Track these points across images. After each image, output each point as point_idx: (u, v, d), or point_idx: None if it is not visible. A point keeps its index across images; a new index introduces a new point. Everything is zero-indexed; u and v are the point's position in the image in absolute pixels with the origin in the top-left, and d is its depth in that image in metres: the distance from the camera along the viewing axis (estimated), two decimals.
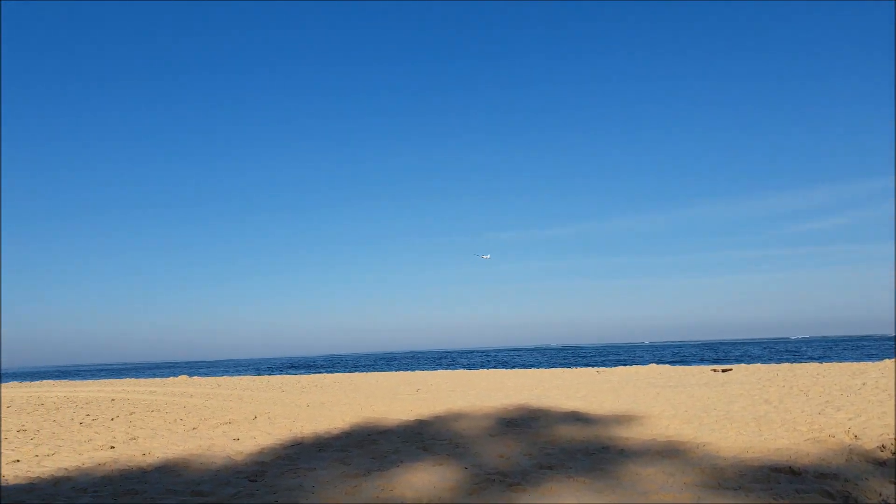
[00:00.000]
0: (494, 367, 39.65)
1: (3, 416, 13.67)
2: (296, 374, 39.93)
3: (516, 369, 31.97)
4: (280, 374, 38.38)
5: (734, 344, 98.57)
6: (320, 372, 44.58)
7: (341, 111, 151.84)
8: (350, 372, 39.25)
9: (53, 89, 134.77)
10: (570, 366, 38.69)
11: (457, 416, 10.72)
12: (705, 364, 32.44)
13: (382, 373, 33.16)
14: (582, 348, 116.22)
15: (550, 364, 43.82)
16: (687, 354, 53.79)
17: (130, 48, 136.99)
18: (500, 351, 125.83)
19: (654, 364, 28.69)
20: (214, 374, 48.52)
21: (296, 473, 6.30)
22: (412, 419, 10.57)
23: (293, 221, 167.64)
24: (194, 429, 10.31)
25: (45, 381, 34.81)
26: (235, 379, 30.50)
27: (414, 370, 38.49)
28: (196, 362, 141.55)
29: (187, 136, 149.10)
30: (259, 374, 40.75)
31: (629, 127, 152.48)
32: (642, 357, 50.82)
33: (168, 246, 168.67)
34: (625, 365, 32.33)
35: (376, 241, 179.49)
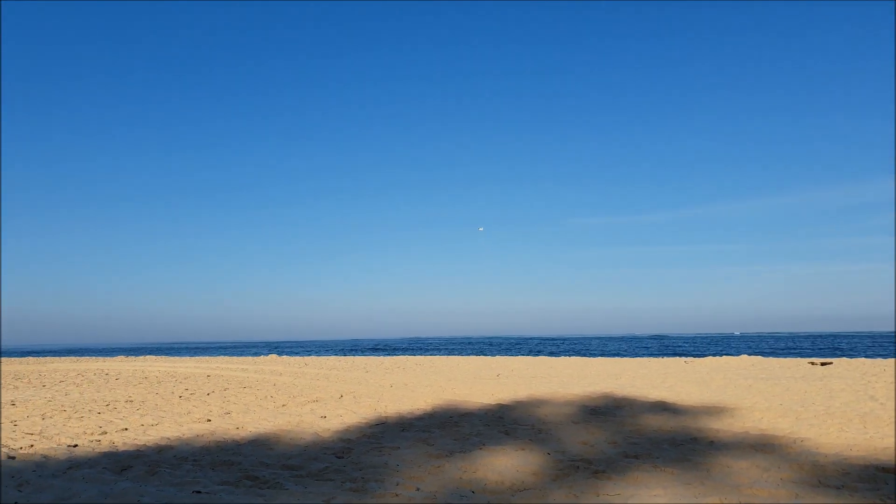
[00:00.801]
0: (578, 355, 39.19)
1: (113, 387, 14.72)
2: (379, 355, 40.84)
3: (600, 357, 31.47)
4: (364, 356, 39.35)
5: (835, 336, 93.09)
6: (402, 354, 45.41)
7: (426, 100, 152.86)
8: (430, 355, 39.79)
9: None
10: (656, 355, 37.71)
11: (538, 402, 10.67)
12: (802, 356, 30.83)
13: (462, 357, 33.43)
14: (670, 338, 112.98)
15: (636, 353, 42.84)
16: (781, 346, 51.29)
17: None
18: (583, 339, 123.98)
19: (745, 355, 27.54)
20: (301, 353, 50.33)
21: (380, 451, 6.46)
22: (493, 403, 10.61)
23: (378, 207, 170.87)
24: (284, 405, 10.75)
25: (148, 357, 37.19)
26: (321, 359, 31.55)
27: (493, 355, 38.57)
28: (282, 342, 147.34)
29: (276, 125, 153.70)
30: (344, 355, 41.94)
31: (722, 113, 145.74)
32: (733, 348, 48.88)
33: (256, 229, 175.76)
34: (714, 355, 31.21)
35: (456, 227, 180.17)
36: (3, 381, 16.53)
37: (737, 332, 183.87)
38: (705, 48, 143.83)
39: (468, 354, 42.53)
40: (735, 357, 25.43)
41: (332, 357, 35.58)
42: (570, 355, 38.68)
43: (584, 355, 38.68)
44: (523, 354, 41.90)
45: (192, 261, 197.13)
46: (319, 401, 11.37)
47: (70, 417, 9.21)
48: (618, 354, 40.57)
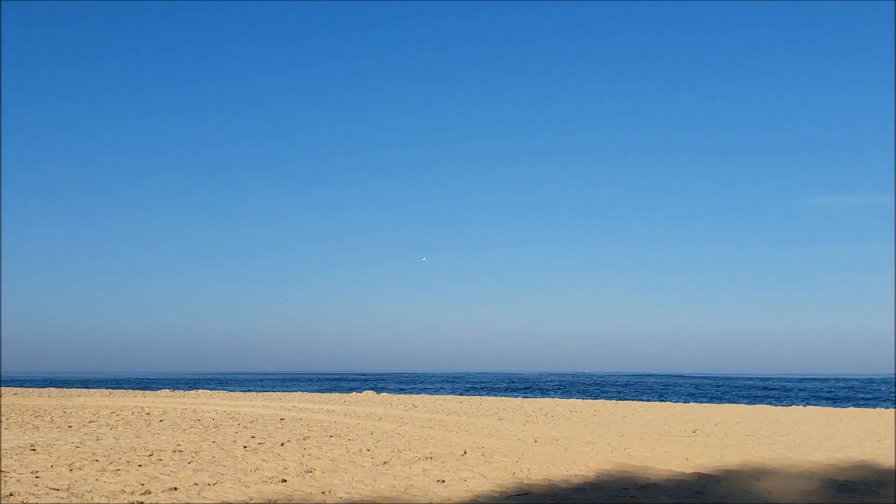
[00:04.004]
0: (815, 403, 37.47)
1: (157, 430, 15.69)
2: (515, 396, 40.98)
3: (852, 408, 29.91)
4: (494, 396, 39.60)
5: None
6: (549, 395, 45.29)
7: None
8: (591, 398, 39.38)
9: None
10: None
11: (759, 473, 10.26)
12: None
13: (638, 402, 32.83)
14: None
15: None
16: None
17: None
18: (823, 378, 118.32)
19: None
20: (407, 391, 51.44)
21: None
22: (689, 472, 10.31)
23: (551, 226, 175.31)
24: (385, 463, 10.96)
25: (201, 391, 39.42)
26: (435, 399, 32.07)
27: (684, 401, 37.58)
28: (382, 375, 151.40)
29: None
30: (466, 395, 42.44)
31: None
32: None
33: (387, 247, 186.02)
34: None
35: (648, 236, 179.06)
36: (21, 419, 18.07)
37: None
38: None
39: (647, 399, 41.74)
40: None
41: (450, 397, 36.05)
42: (803, 403, 37.00)
43: (824, 404, 36.84)
44: (731, 400, 40.56)
45: (262, 272, 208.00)
46: (435, 458, 11.50)
47: (104, 470, 9.88)
48: (876, 402, 38.35)
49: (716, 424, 19.07)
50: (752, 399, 43.40)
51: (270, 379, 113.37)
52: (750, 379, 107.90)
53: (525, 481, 9.37)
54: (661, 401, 37.40)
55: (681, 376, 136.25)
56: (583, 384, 77.80)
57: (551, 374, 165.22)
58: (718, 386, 70.23)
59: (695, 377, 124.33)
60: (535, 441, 14.32)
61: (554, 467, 10.64)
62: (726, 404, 32.03)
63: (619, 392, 55.23)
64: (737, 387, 67.34)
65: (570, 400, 34.62)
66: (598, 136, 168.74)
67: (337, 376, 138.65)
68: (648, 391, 57.41)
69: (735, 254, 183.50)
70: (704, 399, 43.02)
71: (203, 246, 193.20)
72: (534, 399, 34.92)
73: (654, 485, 9.18)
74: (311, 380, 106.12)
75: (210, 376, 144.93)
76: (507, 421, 19.35)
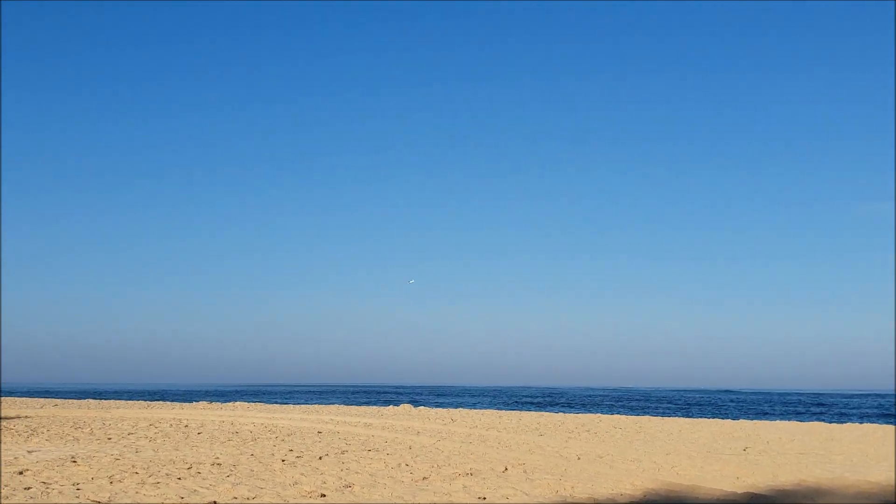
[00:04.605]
0: (873, 420, 36.96)
1: (195, 443, 15.90)
2: (556, 411, 40.84)
3: None
4: (535, 411, 39.49)
5: None
6: (592, 411, 45.08)
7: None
8: (637, 414, 39.13)
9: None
10: None
11: (814, 493, 10.17)
12: None
13: (686, 419, 32.59)
14: None
15: None
16: None
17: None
18: (882, 394, 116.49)
19: None
20: (445, 405, 51.49)
21: None
22: (740, 492, 10.25)
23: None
24: (425, 479, 11.01)
25: (238, 403, 39.82)
26: (474, 413, 32.11)
27: (734, 417, 37.22)
28: (418, 388, 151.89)
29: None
30: (505, 409, 42.34)
31: None
32: None
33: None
34: None
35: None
36: (62, 430, 18.40)
37: None
38: None
39: (695, 415, 41.40)
40: None
41: (489, 411, 36.06)
42: (860, 420, 36.49)
43: (882, 421, 36.28)
44: (783, 417, 40.10)
45: (302, 281, 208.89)
46: (475, 474, 11.53)
47: (144, 482, 10.04)
48: None
49: (767, 442, 18.87)
50: (805, 416, 42.81)
51: (305, 391, 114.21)
52: (802, 394, 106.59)
53: (569, 500, 9.36)
54: (709, 417, 37.03)
55: (729, 391, 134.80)
56: (626, 399, 77.28)
57: (592, 389, 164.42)
58: (769, 402, 69.38)
59: (744, 392, 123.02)
60: (578, 458, 14.28)
61: (598, 486, 10.60)
62: (778, 421, 31.64)
63: (665, 408, 54.78)
64: (788, 402, 66.51)
65: (613, 416, 34.40)
66: (642, 145, 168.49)
67: (373, 388, 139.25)
68: (695, 407, 56.87)
69: (785, 264, 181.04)
70: (755, 415, 42.52)
71: (229, 254, 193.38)
72: (575, 414, 34.79)
73: None
74: (346, 392, 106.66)
75: (244, 388, 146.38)
76: (548, 437, 19.32)
